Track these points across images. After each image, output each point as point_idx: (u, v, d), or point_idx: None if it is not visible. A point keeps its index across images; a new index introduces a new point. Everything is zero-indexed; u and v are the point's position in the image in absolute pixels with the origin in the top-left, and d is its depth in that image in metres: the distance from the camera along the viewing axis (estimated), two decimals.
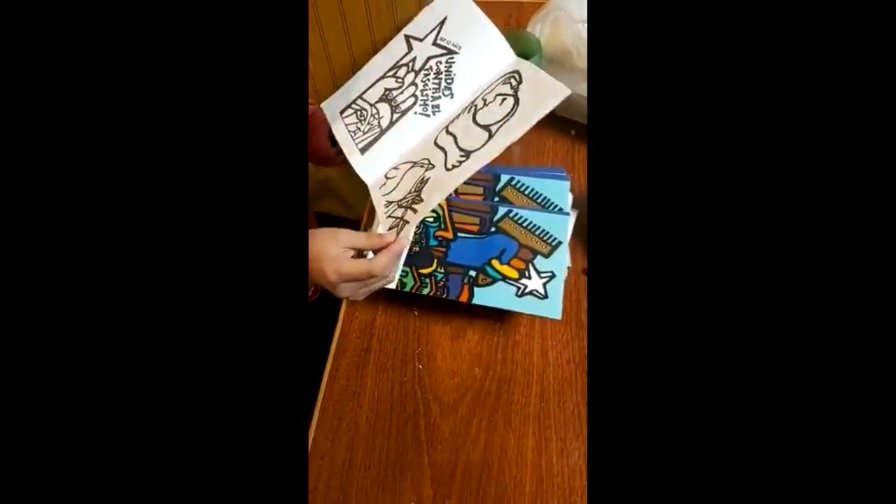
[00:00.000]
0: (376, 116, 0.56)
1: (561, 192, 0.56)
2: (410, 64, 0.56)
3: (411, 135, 0.56)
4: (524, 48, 0.63)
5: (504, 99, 0.51)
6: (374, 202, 0.54)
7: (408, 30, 0.57)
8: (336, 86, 0.61)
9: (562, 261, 0.53)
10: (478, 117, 0.53)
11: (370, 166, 0.56)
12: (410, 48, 0.57)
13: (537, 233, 0.54)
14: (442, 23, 0.56)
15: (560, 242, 0.53)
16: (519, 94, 0.51)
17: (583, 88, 0.64)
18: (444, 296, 0.53)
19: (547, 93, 0.48)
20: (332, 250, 0.46)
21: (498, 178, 0.58)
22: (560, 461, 0.48)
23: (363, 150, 0.56)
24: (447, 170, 0.50)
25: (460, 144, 0.52)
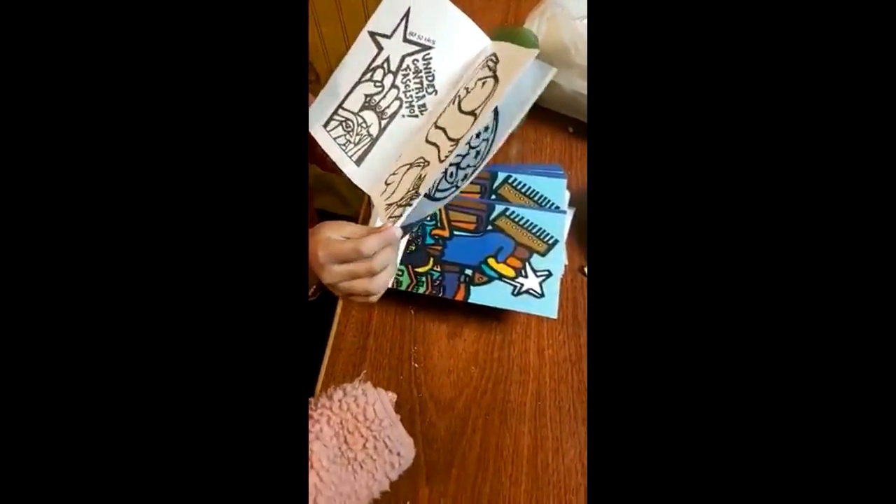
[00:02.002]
0: (364, 125, 0.55)
1: (558, 189, 0.56)
2: (385, 65, 0.55)
3: (403, 138, 0.55)
4: (521, 45, 0.63)
5: (484, 82, 0.51)
6: (377, 208, 0.54)
7: (371, 26, 0.55)
8: (328, 61, 0.59)
9: (558, 259, 0.53)
10: (463, 105, 0.52)
11: (369, 176, 0.56)
12: (380, 47, 0.55)
13: (534, 231, 0.54)
14: (406, 15, 0.54)
15: (556, 241, 0.53)
16: (497, 73, 0.50)
17: (580, 85, 0.64)
18: (440, 294, 0.53)
19: (522, 60, 0.48)
20: (328, 234, 0.46)
21: (495, 176, 0.58)
22: (556, 459, 0.48)
23: (358, 162, 0.56)
24: (440, 161, 0.50)
25: (450, 135, 0.51)
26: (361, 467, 0.42)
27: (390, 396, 0.45)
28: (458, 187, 0.49)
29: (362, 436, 0.42)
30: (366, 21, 0.62)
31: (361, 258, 0.46)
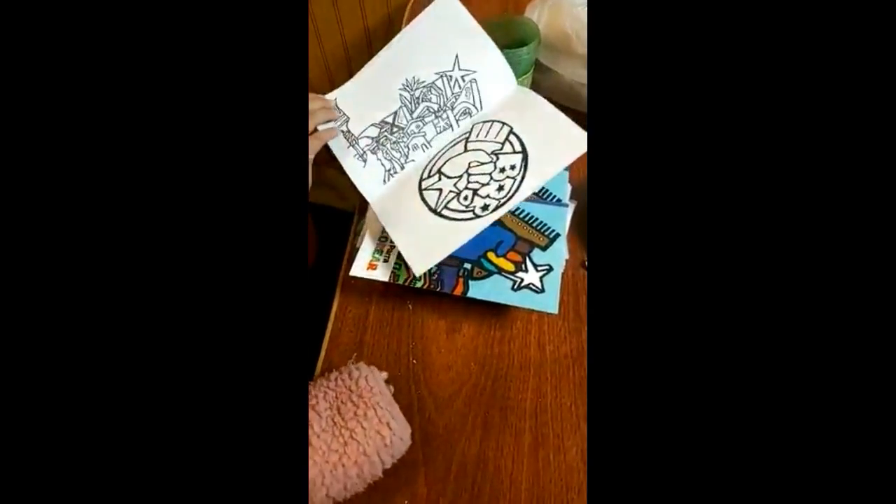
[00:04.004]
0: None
1: (560, 182, 0.55)
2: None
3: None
4: (521, 35, 0.61)
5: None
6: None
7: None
8: (329, 71, 0.60)
9: (559, 254, 0.51)
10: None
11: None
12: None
13: (535, 224, 0.53)
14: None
15: (558, 235, 0.52)
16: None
17: (581, 75, 0.62)
18: (437, 289, 0.52)
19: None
20: None
21: None
22: (557, 457, 0.47)
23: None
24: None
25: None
26: (352, 437, 0.41)
27: (383, 375, 0.46)
28: (476, 216, 0.49)
29: (354, 404, 0.43)
30: (363, 17, 0.62)
31: None
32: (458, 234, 0.49)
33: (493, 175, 0.51)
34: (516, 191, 0.48)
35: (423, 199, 0.53)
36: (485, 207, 0.49)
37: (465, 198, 0.51)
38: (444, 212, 0.51)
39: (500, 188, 0.49)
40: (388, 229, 0.53)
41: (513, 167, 0.50)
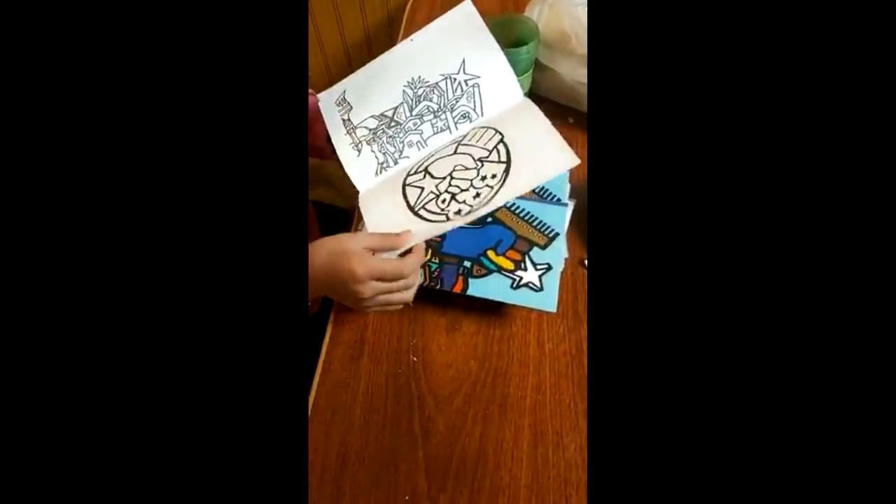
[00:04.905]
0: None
1: (559, 181, 0.55)
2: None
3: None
4: (521, 34, 0.62)
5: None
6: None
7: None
8: (329, 72, 0.60)
9: (559, 253, 0.52)
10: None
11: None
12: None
13: (534, 224, 0.53)
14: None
15: (557, 234, 0.52)
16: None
17: (581, 74, 0.63)
18: (437, 286, 0.52)
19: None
20: (356, 248, 0.47)
21: None
22: (556, 454, 0.48)
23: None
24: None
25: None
26: None
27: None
28: (448, 218, 0.50)
29: None
30: (362, 14, 0.62)
31: (402, 276, 0.47)
32: (424, 234, 0.50)
33: (474, 182, 0.51)
34: (488, 201, 0.49)
35: (404, 194, 0.54)
36: (458, 212, 0.50)
37: (444, 201, 0.52)
38: (421, 212, 0.51)
39: (477, 195, 0.50)
40: (363, 214, 0.54)
41: (493, 176, 0.51)
